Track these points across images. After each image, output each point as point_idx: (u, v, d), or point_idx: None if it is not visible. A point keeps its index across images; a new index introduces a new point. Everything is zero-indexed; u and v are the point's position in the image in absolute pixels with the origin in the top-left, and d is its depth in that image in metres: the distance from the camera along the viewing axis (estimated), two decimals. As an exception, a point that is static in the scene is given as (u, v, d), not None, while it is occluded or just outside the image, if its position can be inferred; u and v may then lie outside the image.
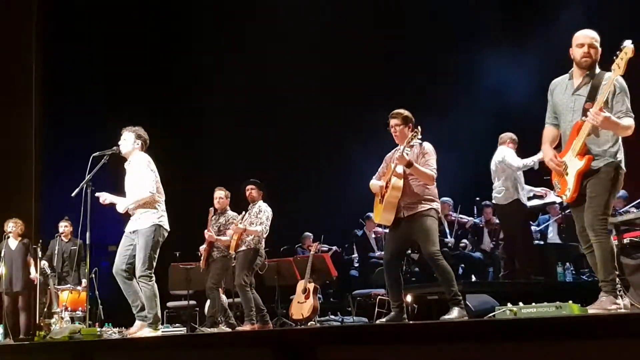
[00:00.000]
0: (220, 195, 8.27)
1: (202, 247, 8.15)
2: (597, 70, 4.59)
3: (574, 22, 10.12)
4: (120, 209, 6.29)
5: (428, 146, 5.67)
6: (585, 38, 4.57)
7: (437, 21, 11.92)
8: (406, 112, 5.68)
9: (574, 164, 4.53)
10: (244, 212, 8.06)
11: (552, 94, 4.80)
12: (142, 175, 6.19)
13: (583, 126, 4.46)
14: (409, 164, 5.41)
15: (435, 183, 5.62)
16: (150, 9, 12.84)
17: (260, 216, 7.87)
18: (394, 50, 12.26)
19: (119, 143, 6.34)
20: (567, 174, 4.59)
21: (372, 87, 12.23)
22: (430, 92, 12.15)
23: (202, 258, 8.14)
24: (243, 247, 7.79)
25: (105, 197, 6.29)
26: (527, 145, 8.01)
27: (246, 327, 7.56)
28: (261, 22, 12.40)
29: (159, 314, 6.19)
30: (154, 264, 6.16)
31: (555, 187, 4.79)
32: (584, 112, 4.46)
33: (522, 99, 10.52)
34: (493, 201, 8.54)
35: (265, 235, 7.87)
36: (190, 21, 13.18)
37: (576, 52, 4.59)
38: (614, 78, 4.39)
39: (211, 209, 8.29)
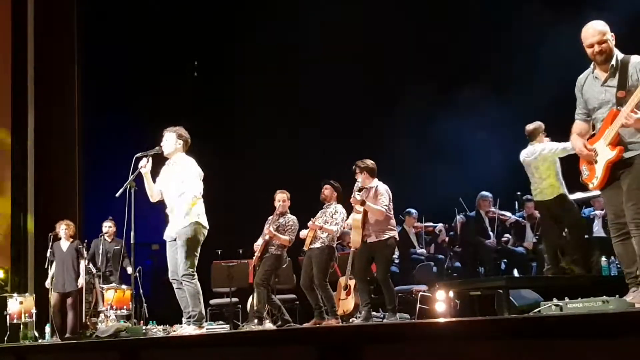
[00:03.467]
0: (283, 197, 8.36)
1: (257, 244, 8.29)
2: (619, 55, 4.51)
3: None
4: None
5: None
6: (593, 37, 4.50)
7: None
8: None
9: (605, 153, 4.47)
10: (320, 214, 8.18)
11: (580, 90, 4.74)
12: (189, 178, 6.24)
13: (618, 116, 4.39)
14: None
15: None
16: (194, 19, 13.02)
17: (335, 217, 8.02)
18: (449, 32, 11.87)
19: (162, 144, 6.36)
20: (596, 162, 4.53)
21: (416, 72, 11.96)
22: (483, 76, 11.50)
23: (255, 255, 8.27)
24: (317, 244, 7.95)
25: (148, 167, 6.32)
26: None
27: (332, 321, 7.70)
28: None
29: (203, 312, 6.28)
30: (196, 262, 6.21)
31: (582, 174, 4.72)
32: (618, 100, 4.40)
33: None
34: (535, 199, 8.22)
35: (338, 235, 8.11)
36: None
37: (589, 52, 4.54)
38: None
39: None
